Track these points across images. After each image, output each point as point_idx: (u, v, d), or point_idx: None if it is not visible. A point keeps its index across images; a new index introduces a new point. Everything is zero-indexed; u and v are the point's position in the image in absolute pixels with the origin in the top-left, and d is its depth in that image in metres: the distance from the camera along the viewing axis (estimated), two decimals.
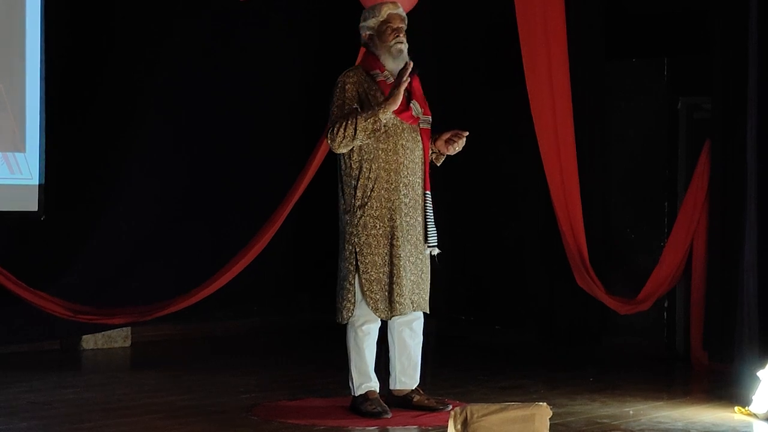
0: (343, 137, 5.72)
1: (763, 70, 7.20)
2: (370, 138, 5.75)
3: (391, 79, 5.89)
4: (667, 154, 8.29)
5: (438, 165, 6.19)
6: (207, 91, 8.72)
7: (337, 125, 5.73)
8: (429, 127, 6.00)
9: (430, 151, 6.07)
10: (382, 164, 5.82)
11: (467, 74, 9.09)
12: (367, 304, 5.81)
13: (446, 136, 6.00)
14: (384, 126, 5.75)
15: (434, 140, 6.03)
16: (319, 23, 9.59)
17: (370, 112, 5.69)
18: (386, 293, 5.81)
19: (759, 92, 7.20)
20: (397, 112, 5.76)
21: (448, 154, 6.06)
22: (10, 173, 7.86)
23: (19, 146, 7.90)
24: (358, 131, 5.69)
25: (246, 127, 9.04)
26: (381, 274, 5.81)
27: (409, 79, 5.72)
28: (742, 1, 7.21)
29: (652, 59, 8.33)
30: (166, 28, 8.49)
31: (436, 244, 5.99)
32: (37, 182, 7.95)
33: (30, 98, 7.91)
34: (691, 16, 8.10)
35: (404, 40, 5.92)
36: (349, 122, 5.69)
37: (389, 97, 5.71)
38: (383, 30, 5.91)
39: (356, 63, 6.94)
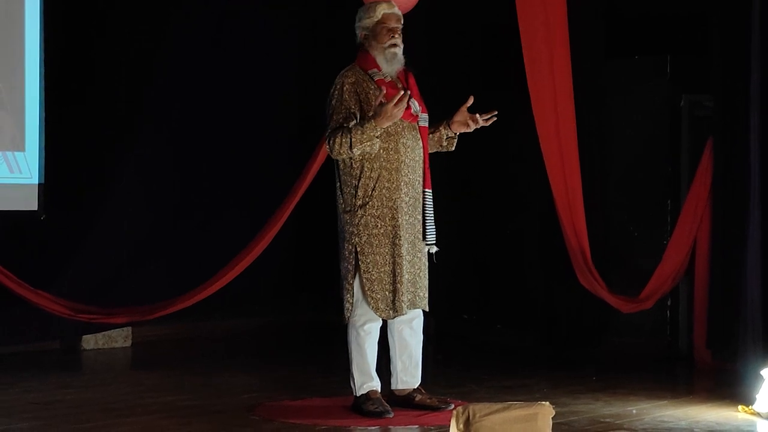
0: (340, 147, 5.70)
1: (765, 67, 7.17)
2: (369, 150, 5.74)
3: (389, 78, 5.87)
4: (670, 152, 8.26)
5: (452, 149, 6.15)
6: (207, 91, 8.71)
7: (335, 137, 5.70)
8: (427, 125, 5.98)
9: (444, 136, 6.05)
10: (384, 163, 5.80)
11: (467, 74, 9.07)
12: (368, 303, 5.78)
13: (466, 116, 5.96)
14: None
15: (449, 123, 6.01)
16: (318, 22, 9.57)
17: (364, 131, 5.63)
18: (387, 293, 5.78)
19: (761, 89, 7.17)
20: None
21: (467, 130, 6.02)
22: (10, 172, 7.84)
23: (19, 145, 7.88)
24: (354, 145, 5.67)
25: (246, 126, 9.03)
26: (382, 274, 5.79)
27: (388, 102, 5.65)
28: None
29: (656, 56, 8.31)
30: (166, 27, 8.49)
31: (434, 242, 5.97)
32: (36, 181, 7.94)
33: (29, 97, 7.90)
34: (693, 12, 8.09)
35: (399, 41, 5.88)
36: (345, 137, 5.66)
37: (375, 115, 5.65)
38: (378, 31, 5.88)
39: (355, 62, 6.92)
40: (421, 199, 5.92)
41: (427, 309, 6.01)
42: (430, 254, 6.01)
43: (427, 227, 5.93)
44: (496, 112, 5.98)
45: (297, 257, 9.56)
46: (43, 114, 7.94)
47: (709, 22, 7.71)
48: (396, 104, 5.58)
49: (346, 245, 5.85)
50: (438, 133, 6.08)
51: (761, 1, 7.14)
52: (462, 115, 5.98)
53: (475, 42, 9.24)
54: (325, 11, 9.57)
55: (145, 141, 8.37)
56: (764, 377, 5.99)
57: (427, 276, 6.00)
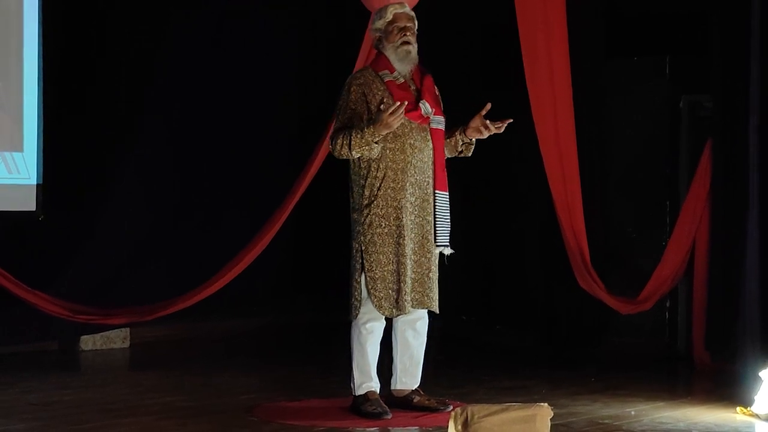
0: (341, 148, 5.74)
1: (765, 67, 7.16)
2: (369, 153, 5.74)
3: (401, 80, 5.88)
4: (670, 152, 8.25)
5: (470, 155, 6.16)
6: (207, 91, 8.71)
7: (337, 137, 5.75)
8: (442, 127, 5.98)
9: (460, 142, 6.05)
10: (390, 163, 5.81)
11: (467, 74, 9.06)
12: (371, 302, 5.79)
13: (480, 122, 5.97)
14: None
15: (463, 130, 6.01)
16: (318, 22, 9.57)
17: (363, 136, 5.66)
18: (391, 291, 5.79)
19: (761, 90, 7.16)
20: (405, 112, 5.73)
21: (480, 137, 6.02)
22: (8, 173, 7.84)
23: (17, 146, 7.88)
24: (353, 148, 5.70)
25: (246, 126, 9.04)
26: (386, 273, 5.79)
27: (398, 111, 5.64)
28: None
29: (655, 57, 8.30)
30: (166, 27, 8.50)
31: (447, 244, 5.96)
32: (35, 182, 7.95)
33: (28, 98, 7.90)
34: (693, 11, 8.08)
35: (411, 39, 5.89)
36: (345, 140, 5.70)
37: (374, 122, 5.66)
38: (390, 31, 5.91)
39: (356, 63, 6.92)
40: (431, 201, 5.92)
41: (437, 311, 5.98)
42: (442, 256, 6.01)
43: (438, 229, 5.92)
44: (511, 120, 5.97)
45: (296, 258, 9.56)
46: (42, 114, 7.94)
47: (709, 21, 7.70)
48: (392, 114, 5.58)
49: (354, 244, 5.89)
50: (454, 139, 6.08)
51: (761, 1, 7.13)
52: (476, 121, 5.99)
53: (475, 42, 9.24)
54: (325, 11, 9.57)
55: (145, 141, 8.37)
56: (763, 378, 5.98)
57: (436, 277, 5.98)
